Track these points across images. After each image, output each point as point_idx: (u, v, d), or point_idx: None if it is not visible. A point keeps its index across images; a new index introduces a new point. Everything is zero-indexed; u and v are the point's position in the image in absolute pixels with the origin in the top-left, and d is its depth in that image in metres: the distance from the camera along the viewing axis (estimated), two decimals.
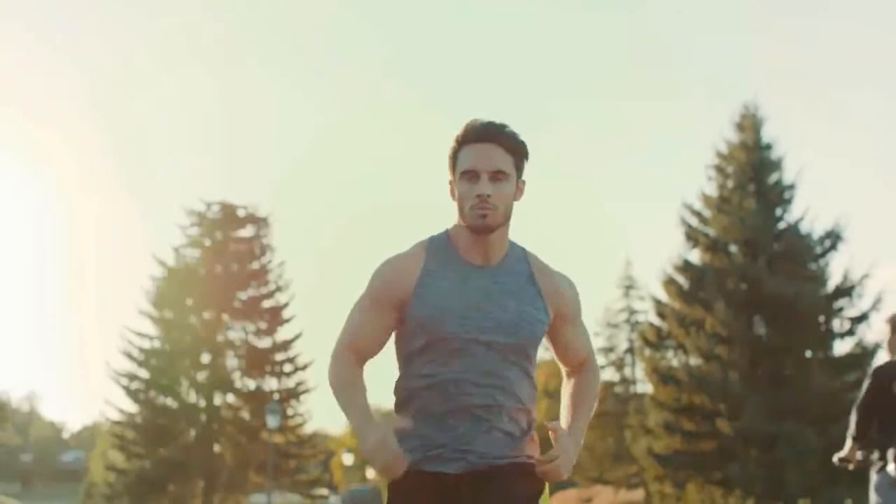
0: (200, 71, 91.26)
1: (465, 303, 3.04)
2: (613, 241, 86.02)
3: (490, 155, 3.03)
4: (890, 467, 6.12)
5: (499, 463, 3.05)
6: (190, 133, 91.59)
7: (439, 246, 3.14)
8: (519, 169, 3.10)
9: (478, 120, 3.10)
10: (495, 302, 3.05)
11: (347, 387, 3.12)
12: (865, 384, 6.40)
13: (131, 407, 36.10)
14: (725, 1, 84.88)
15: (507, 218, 3.09)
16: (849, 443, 6.43)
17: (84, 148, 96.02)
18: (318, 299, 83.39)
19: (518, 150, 3.09)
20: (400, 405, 3.15)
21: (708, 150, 30.94)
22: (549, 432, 3.08)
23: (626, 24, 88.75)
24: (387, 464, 2.95)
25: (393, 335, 3.16)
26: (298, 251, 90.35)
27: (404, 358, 3.15)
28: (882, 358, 6.18)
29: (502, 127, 3.09)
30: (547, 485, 3.13)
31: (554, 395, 55.41)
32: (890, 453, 6.15)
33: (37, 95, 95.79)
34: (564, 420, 3.22)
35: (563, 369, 3.34)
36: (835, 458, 6.58)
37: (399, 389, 3.16)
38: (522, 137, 3.12)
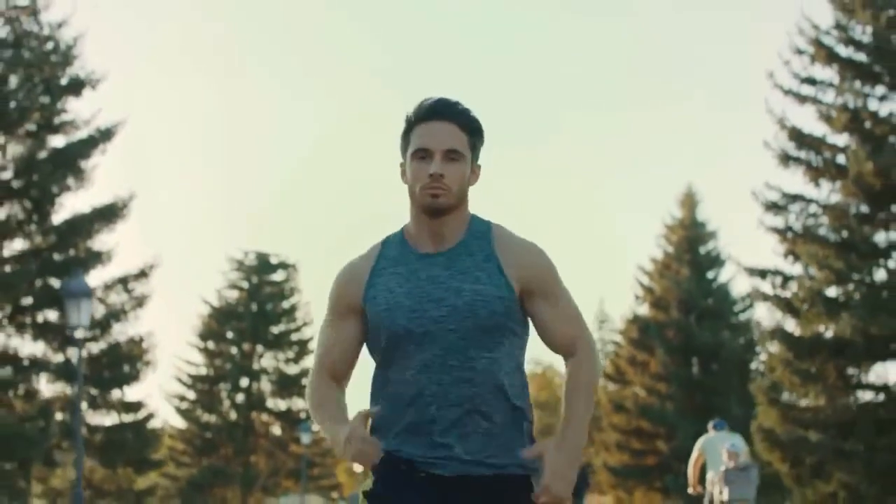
0: (199, 77, 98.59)
1: (415, 295, 3.01)
2: (613, 249, 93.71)
3: (443, 133, 2.99)
4: None
5: (485, 473, 3.00)
6: (191, 140, 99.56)
7: (393, 241, 3.11)
8: (474, 149, 3.06)
9: (431, 98, 3.07)
10: (447, 288, 3.00)
11: (319, 406, 3.11)
12: None
13: (180, 423, 46.31)
14: (726, 9, 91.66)
15: (461, 201, 3.05)
16: None
17: None
18: None
19: (473, 128, 3.06)
20: (376, 418, 3.08)
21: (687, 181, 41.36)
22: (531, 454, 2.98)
23: (627, 32, 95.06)
24: (359, 450, 2.93)
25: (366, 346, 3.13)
26: (321, 289, 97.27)
27: (374, 366, 3.13)
28: None
29: (456, 104, 3.06)
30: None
31: (545, 407, 64.86)
32: None
33: None
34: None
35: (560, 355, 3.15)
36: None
37: (372, 399, 3.12)
38: (476, 115, 3.08)
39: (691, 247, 39.81)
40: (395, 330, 3.01)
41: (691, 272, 39.33)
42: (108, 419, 26.13)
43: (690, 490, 14.12)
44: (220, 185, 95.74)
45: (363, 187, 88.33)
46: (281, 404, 46.53)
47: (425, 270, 3.03)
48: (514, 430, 3.06)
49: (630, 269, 79.93)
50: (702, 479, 14.16)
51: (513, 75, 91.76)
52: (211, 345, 46.22)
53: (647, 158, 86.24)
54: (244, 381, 45.77)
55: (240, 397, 45.71)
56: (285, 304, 47.29)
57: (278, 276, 47.65)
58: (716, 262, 40.26)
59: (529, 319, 3.11)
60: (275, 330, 46.76)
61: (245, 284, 47.20)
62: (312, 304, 49.15)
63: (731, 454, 13.15)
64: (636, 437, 39.64)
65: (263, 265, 47.47)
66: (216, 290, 47.18)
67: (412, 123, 3.05)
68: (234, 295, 47.06)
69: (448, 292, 3.00)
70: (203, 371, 45.82)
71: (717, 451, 13.56)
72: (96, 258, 25.45)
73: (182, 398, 45.59)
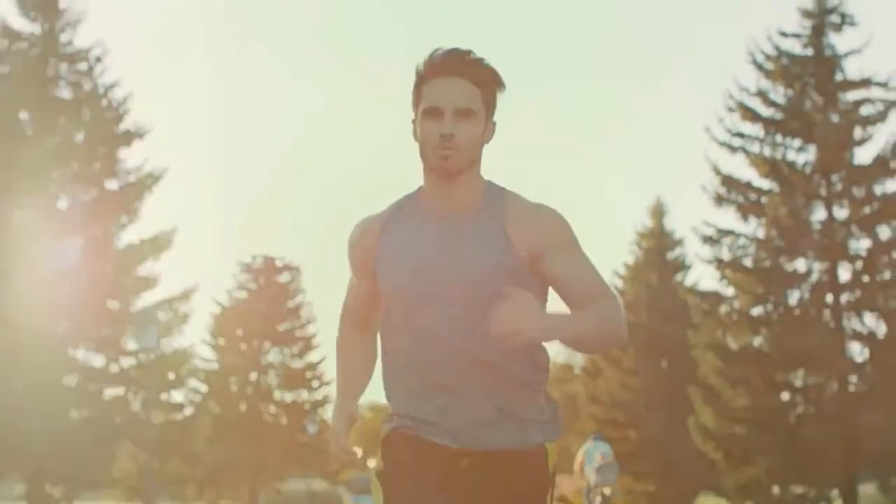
0: (202, 63, 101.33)
1: (418, 256, 3.01)
2: (603, 224, 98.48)
3: (455, 90, 2.95)
4: None
5: (491, 447, 3.00)
6: (192, 131, 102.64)
7: (408, 200, 3.12)
8: (488, 104, 3.01)
9: (442, 49, 3.00)
10: (449, 253, 3.00)
11: (340, 360, 3.33)
12: None
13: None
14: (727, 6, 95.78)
15: (474, 161, 3.01)
16: None
17: None
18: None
19: (487, 82, 3.00)
20: (384, 381, 3.17)
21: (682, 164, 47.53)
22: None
23: (616, 4, 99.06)
24: (335, 456, 3.14)
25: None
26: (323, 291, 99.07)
27: (381, 328, 3.16)
28: None
29: (467, 57, 2.98)
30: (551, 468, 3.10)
31: None
32: None
33: None
34: None
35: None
36: None
37: (381, 364, 3.18)
38: (492, 65, 3.00)
39: (660, 253, 46.01)
40: (394, 290, 3.04)
41: (659, 277, 45.54)
42: (157, 418, 32.46)
43: (576, 478, 21.81)
44: (227, 195, 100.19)
45: (364, 190, 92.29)
46: (287, 396, 51.01)
47: (431, 232, 3.04)
48: (519, 405, 3.03)
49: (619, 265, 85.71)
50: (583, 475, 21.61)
51: (504, 51, 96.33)
52: (222, 342, 50.70)
53: (638, 160, 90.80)
54: (253, 376, 50.19)
55: (249, 390, 50.16)
56: (290, 304, 51.79)
57: (283, 277, 52.33)
58: (681, 267, 46.49)
59: (549, 288, 3.07)
60: (280, 328, 51.16)
61: (253, 286, 51.90)
62: (315, 303, 54.76)
63: (602, 456, 20.59)
64: (611, 427, 45.69)
65: (270, 268, 51.98)
66: (226, 290, 52.08)
67: (422, 78, 3.02)
68: (243, 295, 51.76)
69: (449, 257, 3.00)
70: (215, 366, 50.23)
71: (592, 454, 20.94)
72: (144, 283, 31.63)
73: (195, 391, 49.71)
